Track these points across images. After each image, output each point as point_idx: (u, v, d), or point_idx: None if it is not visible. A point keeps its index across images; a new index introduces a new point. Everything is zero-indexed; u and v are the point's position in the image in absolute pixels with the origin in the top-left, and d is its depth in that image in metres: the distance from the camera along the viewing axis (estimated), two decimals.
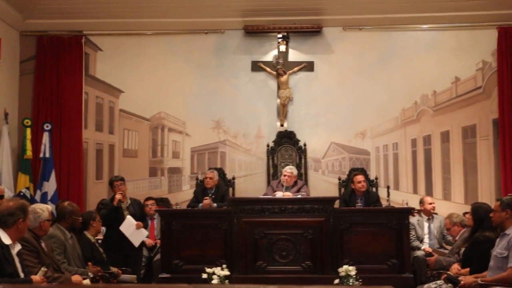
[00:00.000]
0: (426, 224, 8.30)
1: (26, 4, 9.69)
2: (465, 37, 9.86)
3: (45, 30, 10.04)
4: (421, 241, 8.18)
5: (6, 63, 9.47)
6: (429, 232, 8.25)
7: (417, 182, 9.80)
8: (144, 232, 7.62)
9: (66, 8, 9.81)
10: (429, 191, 9.62)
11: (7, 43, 9.44)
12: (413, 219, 8.29)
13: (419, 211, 8.54)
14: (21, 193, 8.91)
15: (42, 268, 4.62)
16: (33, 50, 10.08)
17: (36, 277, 4.47)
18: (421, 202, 8.56)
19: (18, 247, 4.53)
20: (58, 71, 9.96)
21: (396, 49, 9.94)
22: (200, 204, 8.37)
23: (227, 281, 7.09)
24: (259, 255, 7.48)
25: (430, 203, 8.43)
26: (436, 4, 9.64)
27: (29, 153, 9.42)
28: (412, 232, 8.09)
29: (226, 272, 7.18)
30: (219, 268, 7.21)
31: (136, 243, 7.50)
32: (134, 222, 7.44)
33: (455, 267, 5.91)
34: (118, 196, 7.47)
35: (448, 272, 5.81)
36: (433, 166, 9.78)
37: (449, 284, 5.62)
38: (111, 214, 7.40)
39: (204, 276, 7.10)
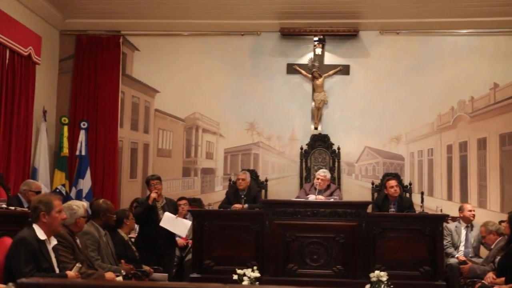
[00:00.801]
0: (463, 232, 8.16)
1: (66, 3, 9.84)
2: (504, 42, 9.73)
3: (84, 30, 10.19)
4: (456, 248, 8.07)
5: (46, 62, 9.63)
6: (466, 240, 8.12)
7: (452, 189, 9.68)
8: (187, 222, 7.64)
9: (105, 8, 9.94)
10: (464, 198, 9.49)
11: (47, 42, 9.61)
12: (451, 226, 8.18)
13: (458, 218, 8.40)
14: (57, 190, 9.02)
15: (77, 264, 4.68)
16: (72, 49, 10.24)
17: (71, 273, 4.53)
18: (461, 209, 8.40)
19: (54, 242, 4.59)
20: (96, 70, 10.10)
21: (433, 54, 9.83)
22: (232, 207, 8.39)
23: (257, 283, 7.09)
24: (290, 258, 7.45)
25: (470, 210, 8.26)
26: (474, 9, 9.52)
27: (65, 150, 9.56)
28: (448, 238, 7.98)
29: (256, 274, 7.17)
30: (250, 270, 7.21)
31: (183, 233, 7.53)
32: (173, 215, 7.48)
33: (490, 276, 5.83)
34: (153, 195, 7.50)
35: (483, 281, 5.74)
36: (469, 173, 9.65)
37: None
38: (146, 212, 7.43)
39: (235, 277, 7.11)
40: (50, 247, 4.50)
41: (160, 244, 7.39)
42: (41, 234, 4.40)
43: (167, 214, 7.45)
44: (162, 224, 7.36)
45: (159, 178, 7.73)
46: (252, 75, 10.08)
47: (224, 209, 8.42)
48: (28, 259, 4.24)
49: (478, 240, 8.02)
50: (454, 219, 8.47)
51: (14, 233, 5.09)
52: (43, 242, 4.40)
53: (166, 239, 7.48)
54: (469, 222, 8.21)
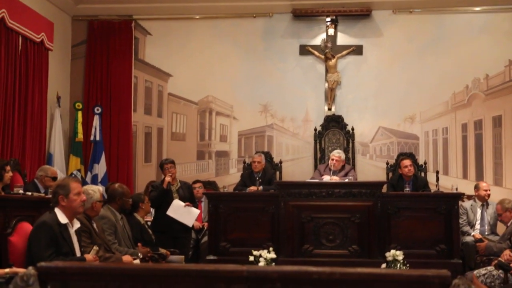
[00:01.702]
0: (479, 210, 8.16)
1: None
2: None
3: (96, 15, 10.19)
4: (472, 226, 8.06)
5: (59, 48, 9.65)
6: (482, 218, 8.11)
7: (467, 167, 9.63)
8: (195, 211, 7.64)
9: None
10: (479, 177, 9.44)
11: (59, 28, 9.63)
12: (466, 204, 8.17)
13: (473, 197, 8.38)
14: (73, 175, 9.08)
15: (94, 247, 4.72)
16: (84, 35, 10.24)
17: (89, 256, 4.58)
18: (476, 187, 8.38)
19: (77, 225, 4.63)
20: (108, 55, 10.10)
21: (447, 32, 9.74)
22: (247, 189, 8.41)
23: (273, 264, 7.12)
24: (306, 238, 7.48)
25: (486, 190, 8.25)
26: None
27: (80, 136, 9.61)
28: (464, 217, 7.98)
29: (272, 255, 7.20)
30: (265, 251, 7.24)
31: (190, 223, 7.56)
32: (181, 203, 7.48)
33: (507, 253, 5.82)
34: (167, 179, 7.52)
35: (499, 259, 5.72)
36: (484, 151, 9.59)
37: (500, 271, 5.53)
38: (161, 196, 7.46)
39: (251, 258, 7.14)
40: (72, 231, 4.53)
41: (175, 228, 7.41)
42: (62, 218, 4.44)
43: (175, 202, 7.44)
44: (169, 213, 7.37)
45: (172, 162, 7.73)
46: (265, 57, 10.04)
47: (239, 191, 8.45)
48: (48, 243, 4.28)
49: (494, 218, 8.00)
50: (469, 197, 8.45)
51: (31, 218, 5.15)
52: (64, 226, 4.44)
53: (180, 223, 7.47)
54: (484, 201, 8.19)
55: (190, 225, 7.57)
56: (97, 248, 4.75)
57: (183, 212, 7.46)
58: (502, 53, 9.58)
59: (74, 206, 4.52)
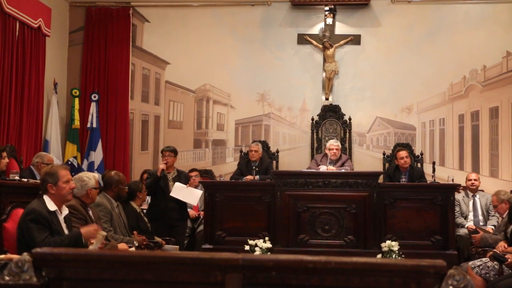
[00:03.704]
0: (471, 201, 8.19)
1: None
2: None
3: (94, 1, 10.15)
4: (465, 217, 8.09)
5: (56, 34, 9.62)
6: (474, 209, 8.13)
7: (464, 159, 9.65)
8: (198, 191, 7.60)
9: None
10: (475, 168, 9.46)
11: (57, 14, 9.59)
12: (458, 196, 8.20)
13: (464, 188, 8.43)
14: (69, 162, 9.05)
15: (101, 233, 4.63)
16: (82, 21, 10.20)
17: (82, 230, 4.54)
18: (466, 178, 8.46)
19: (65, 211, 4.62)
20: (106, 42, 10.07)
21: (445, 23, 9.73)
22: (244, 178, 8.41)
23: (269, 253, 7.13)
24: (302, 228, 7.49)
25: (470, 180, 8.30)
26: None
27: (77, 122, 9.59)
28: (457, 209, 8.00)
29: (268, 245, 7.22)
30: (261, 241, 7.26)
31: (194, 202, 7.50)
32: (183, 185, 7.42)
33: (502, 245, 5.82)
34: (161, 166, 7.47)
35: (494, 250, 5.73)
36: (481, 143, 9.61)
37: (495, 262, 5.55)
38: (154, 183, 7.43)
39: (247, 248, 7.17)
40: (61, 218, 4.53)
41: (170, 216, 7.36)
42: (51, 205, 4.43)
43: (177, 184, 7.40)
44: (172, 194, 7.31)
45: (172, 151, 7.60)
46: (263, 46, 10.02)
47: (236, 181, 8.45)
48: (40, 228, 4.27)
49: (487, 208, 8.05)
50: (464, 188, 8.47)
51: (26, 204, 5.13)
52: (53, 213, 4.43)
53: (176, 211, 7.42)
54: (474, 192, 8.22)
55: (195, 204, 7.51)
56: (105, 234, 4.70)
57: (186, 193, 7.39)
58: (499, 44, 9.57)
59: (63, 194, 4.50)
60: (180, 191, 7.37)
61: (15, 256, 3.79)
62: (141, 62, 10.23)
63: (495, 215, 7.78)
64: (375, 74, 9.82)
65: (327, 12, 9.78)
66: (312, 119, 9.72)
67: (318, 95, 9.87)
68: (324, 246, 7.35)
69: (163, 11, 10.20)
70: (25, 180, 6.40)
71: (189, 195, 7.44)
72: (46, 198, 4.47)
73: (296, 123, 10.00)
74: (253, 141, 9.31)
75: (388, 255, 7.01)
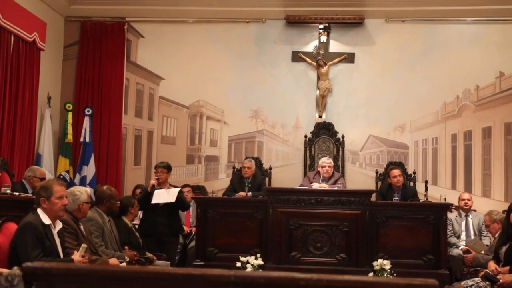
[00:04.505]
0: (463, 221, 8.19)
1: None
2: (510, 31, 9.66)
3: (89, 16, 10.16)
4: (458, 237, 8.08)
5: (51, 48, 9.62)
6: (466, 229, 8.13)
7: (456, 178, 9.66)
8: (174, 189, 7.48)
9: None
10: (468, 187, 9.48)
11: (52, 28, 9.60)
12: (451, 215, 8.19)
13: (456, 207, 8.43)
14: (61, 176, 9.04)
15: (83, 245, 4.66)
16: (76, 36, 10.21)
17: (76, 257, 4.54)
18: (459, 198, 8.46)
19: (59, 226, 4.60)
20: (100, 56, 10.08)
21: (439, 42, 9.79)
22: (236, 194, 8.39)
23: (260, 270, 7.10)
24: (294, 245, 7.47)
25: (463, 200, 8.29)
26: None
27: (69, 137, 9.57)
28: (449, 228, 7.99)
29: (260, 262, 7.19)
30: (253, 257, 7.23)
31: (173, 199, 7.34)
32: (161, 190, 7.37)
33: (491, 265, 5.82)
34: (152, 182, 7.46)
35: (486, 270, 5.73)
36: (473, 162, 9.63)
37: (487, 282, 5.54)
38: (144, 198, 7.36)
39: (238, 264, 7.13)
40: (55, 232, 4.51)
41: (161, 231, 7.31)
42: (45, 219, 4.42)
43: (156, 191, 7.35)
44: (153, 201, 7.26)
45: (165, 167, 7.57)
46: (257, 63, 10.05)
47: (228, 197, 8.43)
48: (35, 243, 4.26)
49: (478, 229, 8.03)
50: (457, 208, 8.48)
51: (18, 218, 5.10)
52: (48, 226, 4.42)
53: (166, 226, 7.37)
54: (466, 212, 8.22)
55: (174, 200, 7.37)
56: (86, 246, 4.70)
57: (164, 195, 7.34)
58: (492, 65, 9.63)
59: (55, 210, 4.49)
60: (159, 195, 7.33)
61: (5, 270, 3.76)
62: (135, 77, 10.23)
63: (488, 235, 7.78)
64: (369, 92, 9.86)
65: (321, 30, 9.83)
66: (305, 137, 9.74)
67: (311, 113, 9.89)
68: (316, 263, 7.33)
69: (158, 26, 10.23)
70: (17, 194, 6.36)
71: (167, 195, 7.37)
72: (40, 211, 4.46)
73: (289, 140, 10.01)
74: (246, 158, 9.30)
75: (380, 274, 7.00)
